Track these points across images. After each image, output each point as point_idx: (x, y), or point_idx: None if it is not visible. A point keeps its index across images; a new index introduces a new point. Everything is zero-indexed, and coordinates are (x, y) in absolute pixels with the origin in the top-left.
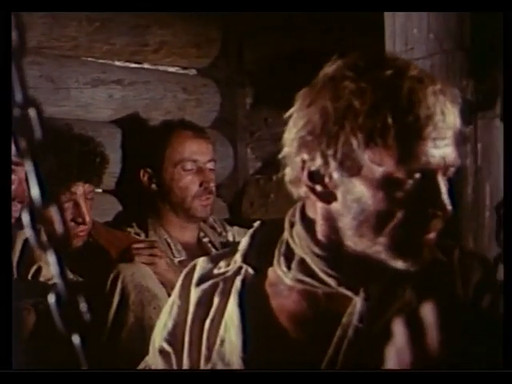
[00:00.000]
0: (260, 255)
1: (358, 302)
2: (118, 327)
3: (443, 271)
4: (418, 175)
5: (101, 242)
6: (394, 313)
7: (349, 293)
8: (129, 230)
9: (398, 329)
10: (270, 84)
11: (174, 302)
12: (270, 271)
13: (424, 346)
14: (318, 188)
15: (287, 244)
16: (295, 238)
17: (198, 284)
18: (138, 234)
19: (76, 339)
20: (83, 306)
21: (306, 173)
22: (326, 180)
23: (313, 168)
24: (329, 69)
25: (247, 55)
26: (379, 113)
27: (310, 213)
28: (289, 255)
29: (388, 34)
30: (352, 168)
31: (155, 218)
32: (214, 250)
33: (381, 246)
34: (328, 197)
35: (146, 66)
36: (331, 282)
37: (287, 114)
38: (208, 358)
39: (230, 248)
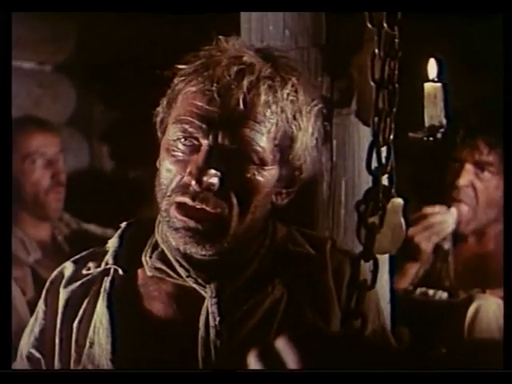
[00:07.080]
0: (129, 256)
1: (208, 301)
2: None
3: (314, 265)
4: None
5: None
6: (251, 308)
7: (197, 286)
8: None
9: (253, 362)
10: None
11: (39, 307)
12: (140, 272)
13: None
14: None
15: (155, 238)
16: (159, 228)
17: (66, 285)
18: None
19: None
20: None
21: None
22: None
23: None
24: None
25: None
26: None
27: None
28: (154, 247)
29: (244, 30)
30: None
31: None
32: (68, 248)
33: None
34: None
35: None
36: (182, 272)
37: None
38: (77, 361)
39: (95, 249)
